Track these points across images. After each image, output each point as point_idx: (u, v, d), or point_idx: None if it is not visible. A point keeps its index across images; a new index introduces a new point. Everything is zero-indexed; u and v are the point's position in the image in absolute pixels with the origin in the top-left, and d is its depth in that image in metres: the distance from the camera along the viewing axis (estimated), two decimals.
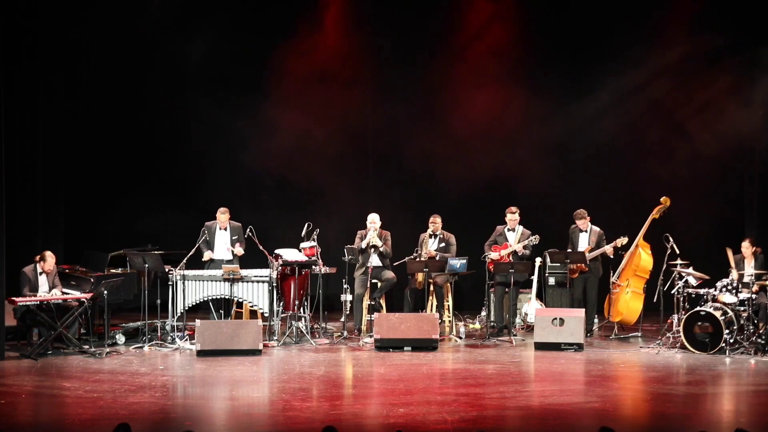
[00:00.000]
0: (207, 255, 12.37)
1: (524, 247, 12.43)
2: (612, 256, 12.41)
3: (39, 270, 11.33)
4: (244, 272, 11.87)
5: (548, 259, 12.72)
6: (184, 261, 11.90)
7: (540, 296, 12.94)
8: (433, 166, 14.42)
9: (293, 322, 11.93)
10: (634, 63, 13.91)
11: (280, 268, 11.96)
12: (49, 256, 11.40)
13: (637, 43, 13.92)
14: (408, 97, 14.60)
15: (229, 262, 12.27)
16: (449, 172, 14.31)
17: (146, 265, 11.74)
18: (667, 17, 13.82)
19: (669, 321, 11.79)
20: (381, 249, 12.43)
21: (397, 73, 14.54)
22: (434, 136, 14.33)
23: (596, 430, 6.60)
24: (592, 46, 14.09)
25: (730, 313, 11.14)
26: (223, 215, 12.44)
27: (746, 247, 11.60)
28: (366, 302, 12.48)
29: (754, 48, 13.40)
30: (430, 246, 12.58)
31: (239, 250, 12.39)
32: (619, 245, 12.32)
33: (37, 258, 11.35)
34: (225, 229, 12.44)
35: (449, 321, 12.80)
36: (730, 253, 11.65)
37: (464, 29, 14.35)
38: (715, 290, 11.40)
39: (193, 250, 12.06)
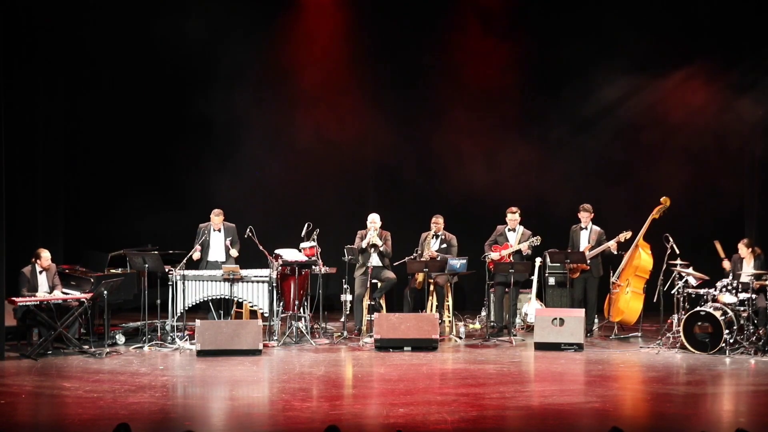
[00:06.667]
0: (196, 254, 12.27)
1: (528, 247, 12.43)
2: (616, 252, 12.40)
3: (38, 269, 11.34)
4: (244, 272, 11.86)
5: (548, 259, 12.72)
6: (184, 261, 11.90)
7: (540, 296, 12.94)
8: (433, 166, 14.43)
9: (293, 322, 11.93)
10: (634, 63, 13.89)
11: (280, 268, 11.96)
12: (44, 252, 11.40)
13: (637, 44, 13.91)
14: (408, 98, 14.60)
15: (224, 263, 12.26)
16: (450, 172, 14.32)
17: (146, 265, 11.74)
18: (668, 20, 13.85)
19: (669, 321, 11.78)
20: (381, 249, 12.43)
21: (397, 75, 14.54)
22: (434, 137, 14.35)
23: (596, 430, 6.60)
24: (593, 45, 14.07)
25: (730, 314, 11.13)
26: (216, 217, 12.40)
27: (743, 247, 11.59)
28: (366, 302, 12.48)
29: (755, 47, 13.39)
30: (431, 246, 12.57)
31: (234, 252, 12.39)
32: (622, 240, 12.29)
33: (33, 259, 11.36)
34: (219, 230, 12.41)
35: (449, 321, 12.80)
36: (718, 246, 11.76)
37: (460, 31, 14.35)
38: (715, 290, 11.40)
39: (193, 251, 12.05)
